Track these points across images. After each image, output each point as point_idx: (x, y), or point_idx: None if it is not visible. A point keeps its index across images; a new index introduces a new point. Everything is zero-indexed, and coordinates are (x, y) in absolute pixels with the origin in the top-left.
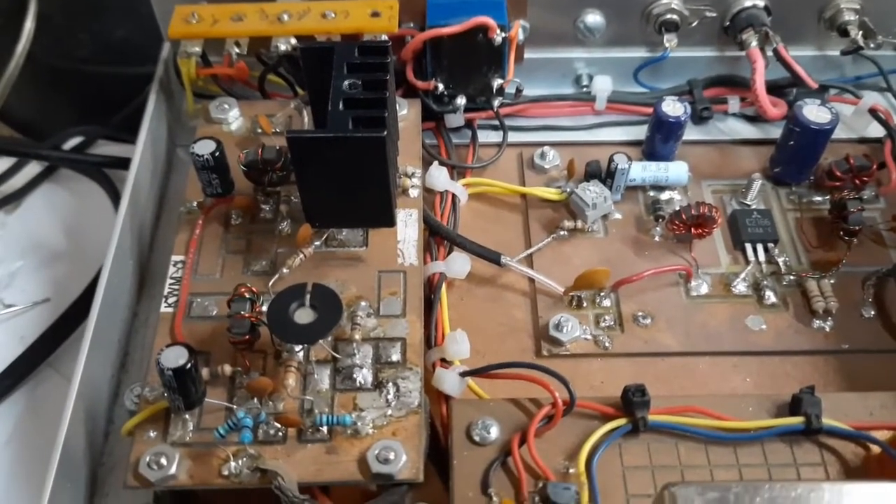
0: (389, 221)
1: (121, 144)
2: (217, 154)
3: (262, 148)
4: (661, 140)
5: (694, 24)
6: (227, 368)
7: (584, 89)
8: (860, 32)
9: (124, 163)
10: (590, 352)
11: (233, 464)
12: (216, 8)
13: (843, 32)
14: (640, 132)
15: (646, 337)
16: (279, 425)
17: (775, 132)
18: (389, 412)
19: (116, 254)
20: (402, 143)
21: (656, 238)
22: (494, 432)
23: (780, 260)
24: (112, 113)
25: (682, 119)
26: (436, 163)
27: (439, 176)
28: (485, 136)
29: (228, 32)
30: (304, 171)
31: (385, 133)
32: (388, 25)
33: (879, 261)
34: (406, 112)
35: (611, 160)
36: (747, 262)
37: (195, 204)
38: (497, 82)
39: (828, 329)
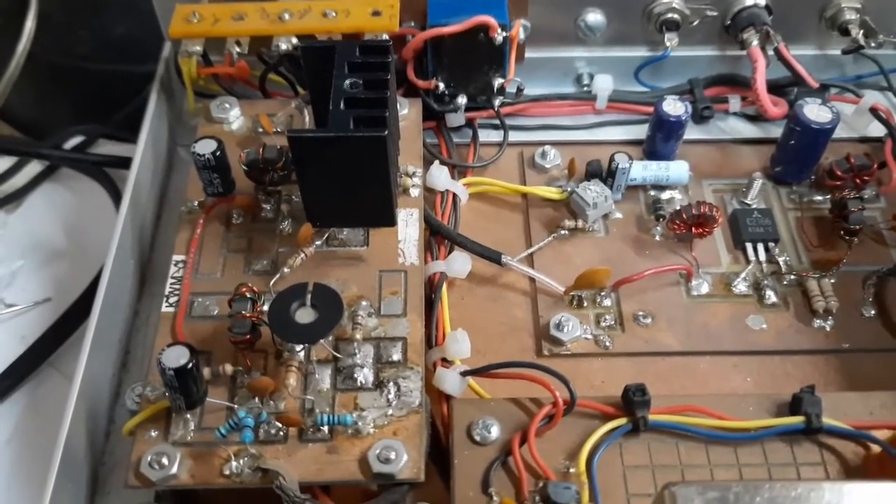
0: (390, 221)
1: (122, 144)
2: (218, 153)
3: (263, 147)
4: (661, 139)
5: (695, 23)
6: (229, 368)
7: (585, 88)
8: (861, 31)
9: (125, 162)
10: (590, 351)
11: (234, 463)
12: (217, 7)
13: (844, 31)
14: (640, 131)
15: (646, 336)
16: (280, 425)
17: (776, 131)
18: (390, 412)
19: (117, 253)
20: (402, 143)
21: (657, 237)
22: (495, 432)
23: (781, 259)
24: (113, 112)
25: (683, 118)
26: (437, 162)
27: (440, 175)
28: (486, 136)
29: (229, 31)
30: (305, 170)
31: (386, 132)
32: (389, 24)
33: (880, 260)
34: (407, 111)
35: (611, 159)
36: (748, 262)
37: (196, 203)
38: (498, 81)
39: (828, 328)
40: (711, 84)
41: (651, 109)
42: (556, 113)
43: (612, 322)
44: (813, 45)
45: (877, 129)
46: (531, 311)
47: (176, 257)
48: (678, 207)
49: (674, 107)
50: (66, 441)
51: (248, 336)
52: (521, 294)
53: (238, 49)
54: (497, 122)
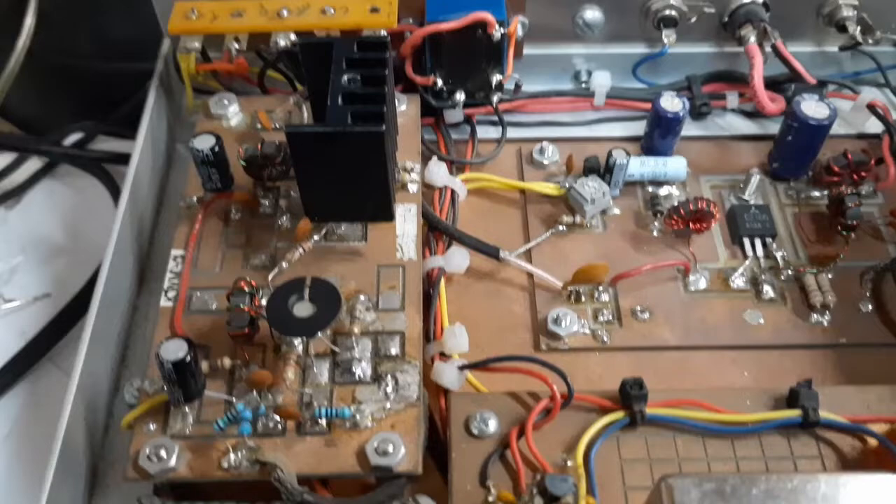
0: (388, 216)
1: (121, 140)
2: (217, 149)
3: (262, 143)
4: (659, 135)
5: (692, 19)
6: (227, 361)
7: (583, 85)
8: (858, 28)
9: (124, 158)
10: (588, 346)
11: (232, 456)
12: (216, 4)
13: (842, 28)
14: (638, 128)
15: (644, 331)
16: (278, 418)
17: (774, 128)
18: (388, 405)
19: (116, 249)
20: (401, 139)
21: (655, 233)
22: (493, 425)
23: (779, 255)
24: (112, 109)
25: (681, 114)
26: (435, 158)
27: (438, 171)
28: (484, 132)
29: (228, 28)
30: (303, 166)
31: (384, 128)
32: (387, 21)
33: (877, 255)
34: (405, 107)
35: (609, 155)
36: (745, 257)
37: (195, 199)
38: (496, 78)
39: (825, 323)
40: (709, 80)
41: (649, 106)
42: (554, 109)
43: (610, 317)
44: (810, 41)
45: (874, 126)
46: (529, 306)
47: (175, 252)
48: (676, 203)
49: (671, 103)
50: (64, 435)
51: (246, 330)
52: (519, 289)
53: (237, 45)
54: (495, 118)
